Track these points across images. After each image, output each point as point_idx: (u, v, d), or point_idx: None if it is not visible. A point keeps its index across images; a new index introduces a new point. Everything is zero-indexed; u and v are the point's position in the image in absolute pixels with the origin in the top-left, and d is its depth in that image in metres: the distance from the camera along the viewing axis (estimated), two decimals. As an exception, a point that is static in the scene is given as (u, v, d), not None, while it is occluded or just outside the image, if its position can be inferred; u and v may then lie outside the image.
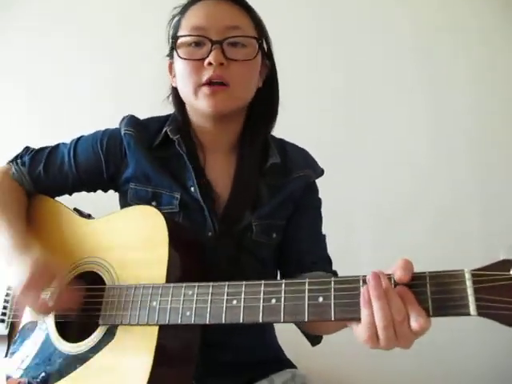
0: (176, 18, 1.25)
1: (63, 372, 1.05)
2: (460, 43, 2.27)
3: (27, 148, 1.36)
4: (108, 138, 1.29)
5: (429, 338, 2.10)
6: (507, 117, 2.21)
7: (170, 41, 1.24)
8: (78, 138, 1.33)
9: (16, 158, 1.34)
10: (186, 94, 1.20)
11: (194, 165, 1.22)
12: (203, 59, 1.14)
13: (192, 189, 1.20)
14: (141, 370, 0.94)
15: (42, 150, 1.34)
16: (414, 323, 0.75)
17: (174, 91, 1.28)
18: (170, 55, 1.26)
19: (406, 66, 2.28)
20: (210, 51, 1.13)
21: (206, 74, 1.13)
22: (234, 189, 1.23)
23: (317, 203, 1.35)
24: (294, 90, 2.11)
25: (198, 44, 1.16)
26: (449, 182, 2.18)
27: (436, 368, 2.11)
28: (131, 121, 1.30)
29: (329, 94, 2.27)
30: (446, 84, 2.26)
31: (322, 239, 1.32)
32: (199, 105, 1.17)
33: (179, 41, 1.18)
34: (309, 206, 1.31)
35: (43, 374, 1.08)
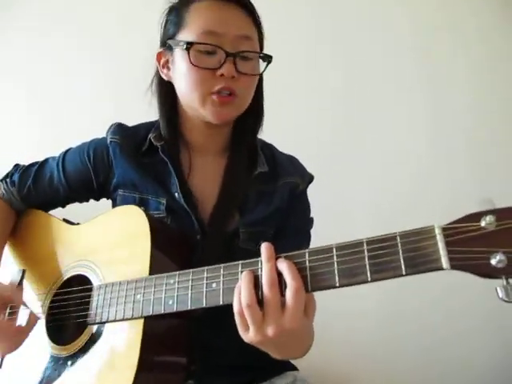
0: (175, 9, 1.22)
1: (55, 375, 1.06)
2: (459, 42, 2.27)
3: (17, 165, 1.38)
4: (94, 148, 1.30)
5: (429, 337, 2.08)
6: (507, 116, 2.20)
7: (174, 38, 1.19)
8: (66, 151, 1.35)
9: (6, 176, 1.36)
10: (190, 99, 1.18)
11: (178, 171, 1.23)
12: (215, 69, 1.13)
13: (176, 195, 1.21)
14: (128, 362, 0.94)
15: (30, 166, 1.35)
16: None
17: (167, 86, 1.26)
18: (168, 47, 1.22)
19: (405, 65, 2.28)
20: (224, 62, 1.12)
21: (217, 85, 1.13)
22: (221, 192, 1.23)
23: (303, 218, 1.34)
24: (294, 90, 2.14)
25: (210, 51, 1.14)
26: (448, 182, 2.17)
27: (436, 368, 2.10)
28: (118, 129, 1.30)
29: (328, 93, 2.27)
30: (445, 83, 2.26)
31: None
32: (205, 113, 1.17)
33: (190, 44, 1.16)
34: (293, 219, 1.29)
35: (35, 380, 1.09)
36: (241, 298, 0.85)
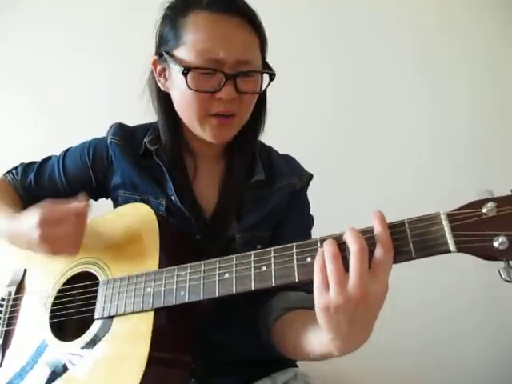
0: (170, 19, 1.16)
1: (61, 371, 1.06)
2: (460, 40, 2.28)
3: (22, 163, 1.40)
4: (94, 148, 1.32)
5: (429, 338, 2.09)
6: (507, 112, 2.23)
7: (170, 54, 1.14)
8: (67, 149, 1.37)
9: (11, 170, 1.39)
10: (187, 118, 1.17)
11: (173, 174, 1.22)
12: (214, 91, 1.09)
13: (172, 198, 1.21)
14: (138, 355, 0.94)
15: (33, 162, 1.39)
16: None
17: (164, 96, 1.22)
18: (164, 58, 1.16)
19: (406, 63, 2.29)
20: (223, 85, 1.08)
21: (216, 108, 1.10)
22: (220, 197, 1.23)
23: (303, 216, 1.32)
24: (295, 88, 2.13)
25: (208, 73, 1.09)
26: (449, 179, 2.19)
27: (436, 368, 2.10)
28: (118, 129, 1.32)
29: (329, 91, 2.29)
30: (446, 81, 2.27)
31: None
32: (202, 133, 1.16)
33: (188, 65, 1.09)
34: (292, 217, 1.28)
35: (41, 377, 1.08)
36: (324, 252, 0.81)
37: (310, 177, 1.34)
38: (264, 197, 1.25)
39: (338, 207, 2.12)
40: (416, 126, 2.26)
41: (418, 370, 2.10)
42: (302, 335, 0.98)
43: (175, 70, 1.13)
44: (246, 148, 1.27)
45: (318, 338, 0.90)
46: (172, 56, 1.13)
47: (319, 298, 0.80)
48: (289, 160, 1.35)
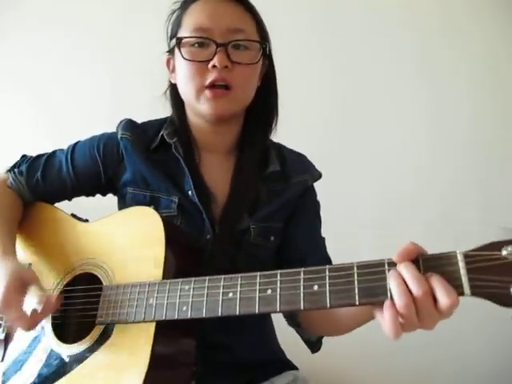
0: (176, 13, 1.25)
1: (60, 373, 1.05)
2: (460, 42, 2.28)
3: (24, 156, 1.37)
4: (105, 143, 1.29)
5: (429, 338, 2.10)
6: (507, 115, 2.24)
7: (173, 39, 1.22)
8: (75, 144, 1.34)
9: (14, 166, 1.34)
10: (187, 95, 1.21)
11: (191, 168, 1.22)
12: (207, 61, 1.14)
13: (190, 193, 1.20)
14: (138, 366, 0.93)
15: (39, 157, 1.35)
16: (445, 299, 0.73)
17: (173, 88, 1.28)
18: (171, 51, 1.26)
19: (406, 65, 2.30)
20: (215, 54, 1.13)
21: (210, 77, 1.14)
22: (232, 191, 1.23)
23: (314, 206, 1.35)
24: (294, 89, 2.12)
25: (201, 44, 1.16)
26: (451, 182, 2.19)
27: (436, 368, 2.11)
28: (128, 124, 1.30)
29: (328, 92, 2.30)
30: (446, 83, 2.28)
31: (321, 241, 1.31)
32: (200, 108, 1.18)
33: (182, 40, 1.18)
34: (305, 208, 1.30)
35: (40, 377, 1.08)
36: (412, 289, 0.75)
37: (320, 175, 1.35)
38: (278, 191, 1.26)
39: (337, 208, 2.12)
40: (416, 128, 2.27)
41: (419, 370, 2.11)
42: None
43: (176, 53, 1.20)
44: (256, 142, 1.28)
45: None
46: (171, 40, 1.24)
47: (393, 332, 0.82)
48: (301, 157, 1.37)
